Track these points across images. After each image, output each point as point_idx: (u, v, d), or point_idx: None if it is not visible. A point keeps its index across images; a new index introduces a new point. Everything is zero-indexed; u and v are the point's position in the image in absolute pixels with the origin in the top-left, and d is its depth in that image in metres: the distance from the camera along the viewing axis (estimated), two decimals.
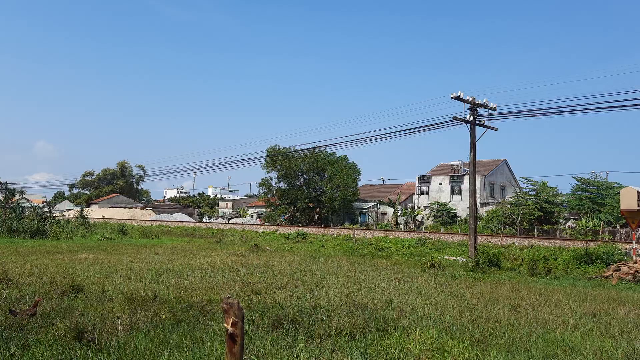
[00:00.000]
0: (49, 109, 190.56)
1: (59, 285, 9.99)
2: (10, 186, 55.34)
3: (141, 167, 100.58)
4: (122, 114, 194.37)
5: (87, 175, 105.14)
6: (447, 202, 45.76)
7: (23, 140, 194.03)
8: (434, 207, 46.13)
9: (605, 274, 14.68)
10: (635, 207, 16.33)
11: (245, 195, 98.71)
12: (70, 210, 77.90)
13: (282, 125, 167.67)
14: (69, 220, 36.70)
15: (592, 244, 18.89)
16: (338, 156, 73.96)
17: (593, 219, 32.49)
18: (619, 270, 14.81)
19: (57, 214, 53.02)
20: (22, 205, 41.56)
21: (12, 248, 19.38)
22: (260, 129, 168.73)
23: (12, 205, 42.97)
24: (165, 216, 66.08)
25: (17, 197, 54.25)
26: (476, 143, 18.71)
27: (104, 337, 6.35)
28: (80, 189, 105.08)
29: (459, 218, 43.84)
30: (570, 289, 11.86)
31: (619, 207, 21.31)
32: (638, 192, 16.45)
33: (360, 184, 57.86)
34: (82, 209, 48.59)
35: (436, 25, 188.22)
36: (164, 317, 7.58)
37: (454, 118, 18.75)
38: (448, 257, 18.79)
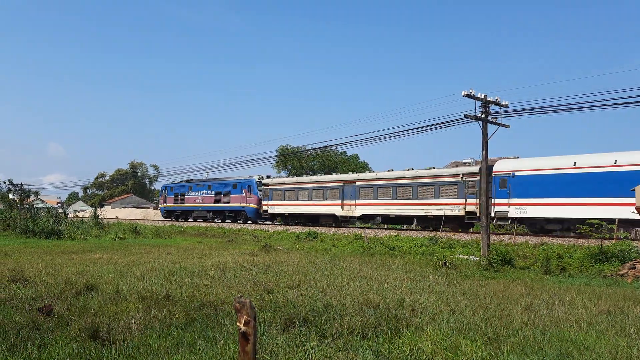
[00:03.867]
0: (60, 110, 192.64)
1: (74, 285, 10.11)
2: (25, 187, 56.08)
3: (155, 167, 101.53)
4: (134, 115, 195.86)
5: (100, 177, 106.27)
6: None
7: (36, 143, 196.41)
8: None
9: (620, 272, 14.52)
10: None
11: None
12: (84, 210, 78.72)
13: (293, 124, 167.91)
14: (83, 221, 37.05)
15: (607, 242, 18.69)
16: (349, 155, 73.98)
17: None
18: (635, 268, 14.63)
19: (71, 214, 53.70)
20: (37, 206, 42.10)
21: (27, 248, 19.63)
22: (271, 129, 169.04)
23: (27, 206, 43.55)
24: None
25: (32, 198, 54.99)
26: (488, 140, 18.61)
27: (118, 336, 6.42)
28: (94, 190, 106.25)
29: None
30: (584, 288, 11.75)
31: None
32: None
33: None
34: (95, 210, 49.10)
35: (442, 25, 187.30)
36: (177, 316, 7.65)
37: (466, 116, 18.65)
38: (460, 256, 18.70)
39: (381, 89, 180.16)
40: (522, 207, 25.19)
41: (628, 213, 21.47)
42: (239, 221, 43.73)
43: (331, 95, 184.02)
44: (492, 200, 25.91)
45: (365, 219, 34.40)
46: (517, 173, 25.68)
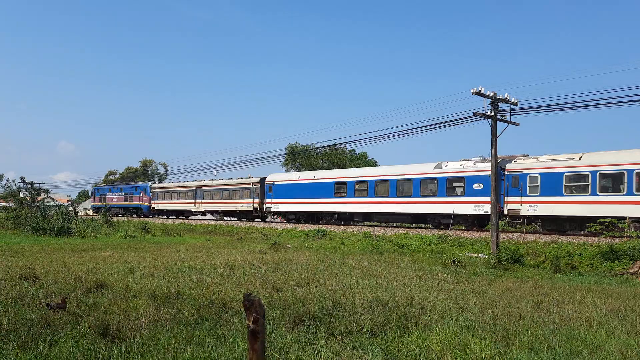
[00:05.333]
0: (70, 109, 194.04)
1: (84, 282, 10.19)
2: (36, 185, 56.56)
3: (164, 166, 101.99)
4: (143, 113, 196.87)
5: (110, 175, 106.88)
6: None
7: (46, 141, 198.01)
8: None
9: (631, 271, 14.41)
10: None
11: None
12: None
13: (302, 122, 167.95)
14: (92, 219, 37.35)
15: (618, 240, 18.54)
16: (357, 153, 73.80)
17: None
18: None
19: (81, 212, 55.00)
20: (48, 204, 42.38)
21: (38, 246, 19.79)
22: (280, 127, 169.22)
23: (37, 204, 43.88)
24: None
25: (43, 196, 55.43)
26: (497, 138, 18.51)
27: (128, 333, 6.47)
28: None
29: None
30: (594, 286, 11.66)
31: None
32: None
33: None
34: (105, 209, 49.47)
35: (451, 23, 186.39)
36: (186, 314, 7.69)
37: (475, 113, 18.57)
38: (469, 254, 18.63)
39: (391, 87, 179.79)
40: (277, 204, 39.15)
41: (325, 207, 35.37)
42: (141, 216, 56.02)
43: (340, 94, 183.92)
44: (266, 200, 40.39)
45: (208, 213, 48.91)
46: (276, 183, 39.88)
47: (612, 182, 22.27)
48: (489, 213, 22.86)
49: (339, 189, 34.46)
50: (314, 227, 32.17)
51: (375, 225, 33.46)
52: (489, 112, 18.44)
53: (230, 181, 45.72)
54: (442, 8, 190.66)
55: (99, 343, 6.06)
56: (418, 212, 29.71)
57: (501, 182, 25.06)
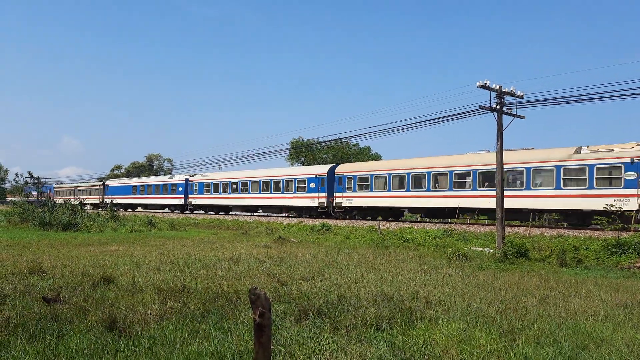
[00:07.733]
0: (74, 105, 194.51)
1: (91, 276, 10.25)
2: (42, 180, 57.05)
3: (169, 161, 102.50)
4: (148, 108, 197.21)
5: (115, 169, 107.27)
6: None
7: (51, 136, 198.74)
8: None
9: (638, 264, 14.35)
10: None
11: None
12: None
13: (306, 117, 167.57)
14: (99, 213, 37.48)
15: (624, 234, 18.46)
16: (361, 147, 73.76)
17: None
18: None
19: (87, 207, 55.80)
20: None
21: (45, 240, 19.90)
22: (284, 122, 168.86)
23: (44, 198, 44.10)
24: None
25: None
26: (503, 132, 18.44)
27: (135, 327, 6.50)
28: None
29: None
30: (601, 280, 11.63)
31: None
32: None
33: None
34: (111, 202, 49.74)
35: (457, 15, 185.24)
36: (192, 307, 7.73)
37: (480, 107, 18.50)
38: (475, 248, 18.60)
39: (395, 81, 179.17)
40: (112, 199, 59.05)
41: (132, 200, 60.57)
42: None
43: (344, 87, 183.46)
44: (105, 196, 63.46)
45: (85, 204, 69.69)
46: (110, 185, 64.73)
47: (244, 186, 44.22)
48: (183, 203, 51.53)
49: (134, 189, 59.96)
50: (318, 222, 32.20)
51: (379, 220, 33.55)
52: (494, 106, 18.37)
53: (89, 183, 73.84)
54: (446, 2, 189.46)
55: (106, 336, 6.10)
56: (164, 204, 54.72)
57: (188, 186, 51.10)
